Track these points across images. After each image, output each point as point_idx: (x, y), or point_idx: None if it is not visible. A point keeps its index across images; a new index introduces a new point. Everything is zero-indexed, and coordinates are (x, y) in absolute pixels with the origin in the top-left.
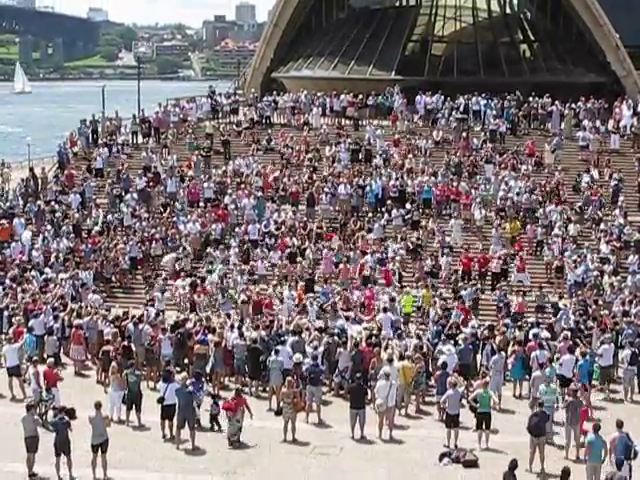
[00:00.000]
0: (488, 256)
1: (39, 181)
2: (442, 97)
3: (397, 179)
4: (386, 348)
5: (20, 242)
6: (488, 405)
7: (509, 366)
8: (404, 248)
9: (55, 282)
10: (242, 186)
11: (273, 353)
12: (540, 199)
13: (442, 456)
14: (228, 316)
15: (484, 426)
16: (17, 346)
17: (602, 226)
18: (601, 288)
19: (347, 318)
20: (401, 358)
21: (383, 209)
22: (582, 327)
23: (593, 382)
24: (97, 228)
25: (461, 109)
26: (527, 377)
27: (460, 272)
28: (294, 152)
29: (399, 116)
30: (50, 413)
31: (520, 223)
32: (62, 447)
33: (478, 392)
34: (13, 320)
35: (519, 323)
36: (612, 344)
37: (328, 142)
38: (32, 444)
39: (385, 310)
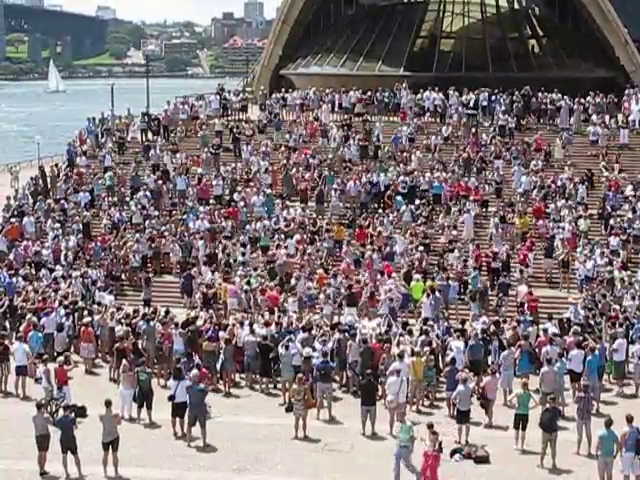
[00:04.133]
0: (489, 251)
1: (48, 179)
2: (455, 92)
3: (406, 175)
4: (398, 344)
5: (30, 240)
6: (527, 406)
7: (515, 361)
8: (413, 243)
9: (65, 280)
10: (251, 184)
11: (284, 347)
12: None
13: (453, 452)
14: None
15: (521, 427)
16: (26, 347)
17: (612, 221)
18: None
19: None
20: (413, 354)
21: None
22: (592, 322)
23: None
24: (105, 223)
25: (471, 104)
26: (537, 372)
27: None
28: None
29: (408, 112)
30: (61, 412)
31: (530, 218)
32: (68, 444)
33: (518, 392)
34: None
35: (531, 318)
36: (624, 339)
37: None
38: (43, 442)
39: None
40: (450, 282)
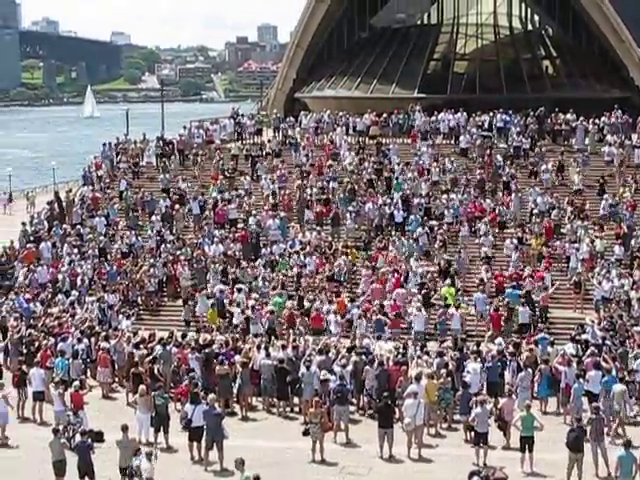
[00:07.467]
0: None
1: (64, 204)
2: (465, 114)
3: (422, 197)
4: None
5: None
6: (531, 428)
7: (535, 384)
8: (434, 267)
9: (82, 305)
10: (266, 207)
11: (304, 368)
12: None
13: (471, 475)
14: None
15: (527, 449)
16: (42, 372)
17: (633, 242)
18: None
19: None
20: (430, 377)
21: (407, 228)
22: (608, 343)
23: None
24: (117, 247)
25: (485, 126)
26: (556, 395)
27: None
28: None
29: (419, 135)
30: (77, 437)
31: (545, 239)
32: (85, 470)
33: (522, 415)
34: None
35: (551, 339)
36: None
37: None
38: (60, 468)
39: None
40: (480, 294)
